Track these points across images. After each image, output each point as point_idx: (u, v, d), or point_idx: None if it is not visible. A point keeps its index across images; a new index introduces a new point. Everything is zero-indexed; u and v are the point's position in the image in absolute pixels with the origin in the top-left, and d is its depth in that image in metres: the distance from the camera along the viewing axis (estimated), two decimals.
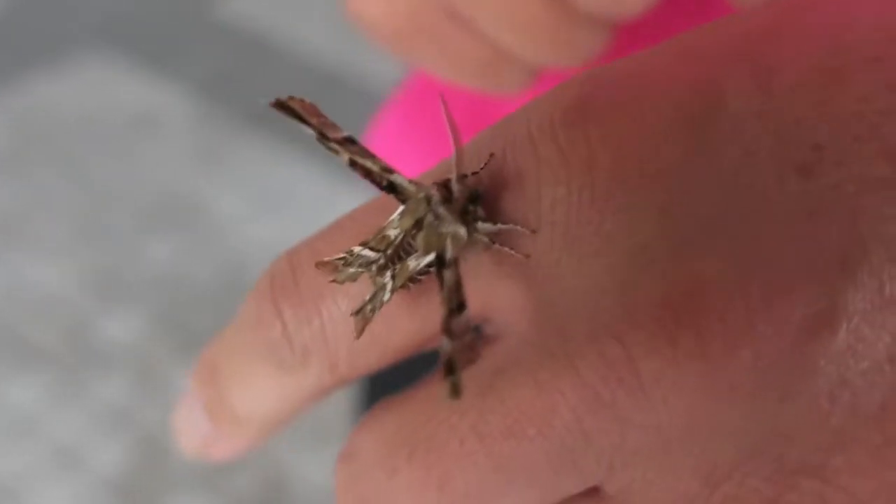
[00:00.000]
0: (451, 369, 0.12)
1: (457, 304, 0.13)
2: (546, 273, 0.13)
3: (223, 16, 1.77)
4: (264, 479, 1.08)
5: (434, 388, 0.15)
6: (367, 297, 0.14)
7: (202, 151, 1.48)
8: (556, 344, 0.13)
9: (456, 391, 0.12)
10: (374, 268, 0.14)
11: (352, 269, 0.14)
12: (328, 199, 1.39)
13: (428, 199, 0.13)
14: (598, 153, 0.13)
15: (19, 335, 1.22)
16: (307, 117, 0.14)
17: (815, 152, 0.12)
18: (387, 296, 0.14)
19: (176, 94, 1.58)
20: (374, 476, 0.14)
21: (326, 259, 0.14)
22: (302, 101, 0.14)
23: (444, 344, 0.13)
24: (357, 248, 0.14)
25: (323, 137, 0.14)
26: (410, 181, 0.14)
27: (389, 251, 0.14)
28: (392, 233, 0.14)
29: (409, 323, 0.15)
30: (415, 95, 0.33)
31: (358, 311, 0.14)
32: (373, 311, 0.14)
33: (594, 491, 0.14)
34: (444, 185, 0.13)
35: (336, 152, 0.14)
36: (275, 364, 0.15)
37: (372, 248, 0.14)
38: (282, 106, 0.14)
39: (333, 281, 0.14)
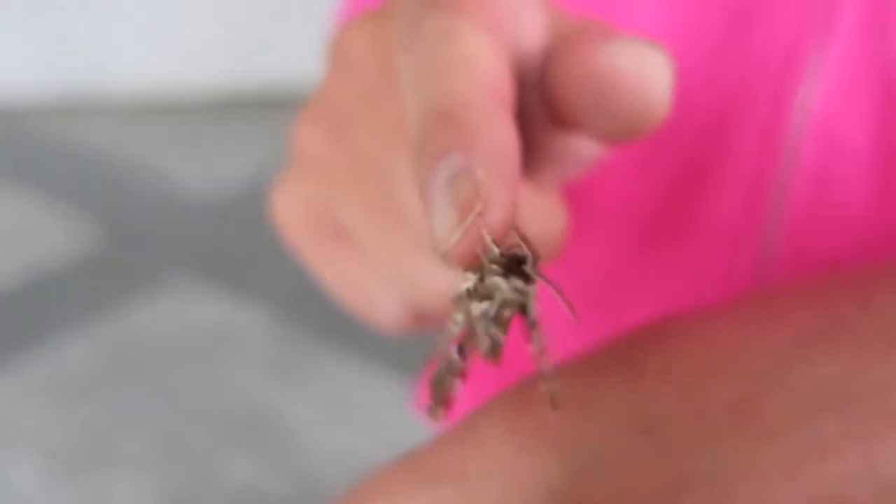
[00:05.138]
0: (552, 398, 0.16)
1: (542, 349, 0.16)
2: None
3: None
4: None
5: None
6: (486, 345, 0.17)
7: (279, 366, 1.55)
8: None
9: (555, 406, 0.16)
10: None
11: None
12: (398, 408, 1.43)
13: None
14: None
15: None
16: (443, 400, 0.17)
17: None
18: (502, 338, 0.16)
19: (253, 313, 1.67)
20: None
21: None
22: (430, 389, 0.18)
23: (542, 386, 0.16)
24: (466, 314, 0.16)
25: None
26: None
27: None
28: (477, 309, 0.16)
29: None
30: None
31: (489, 355, 0.17)
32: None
33: None
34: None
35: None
36: None
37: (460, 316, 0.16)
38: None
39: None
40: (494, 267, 0.15)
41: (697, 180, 0.25)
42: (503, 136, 0.15)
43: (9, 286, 1.71)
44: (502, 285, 0.15)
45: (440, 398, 0.16)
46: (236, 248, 1.86)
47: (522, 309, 0.16)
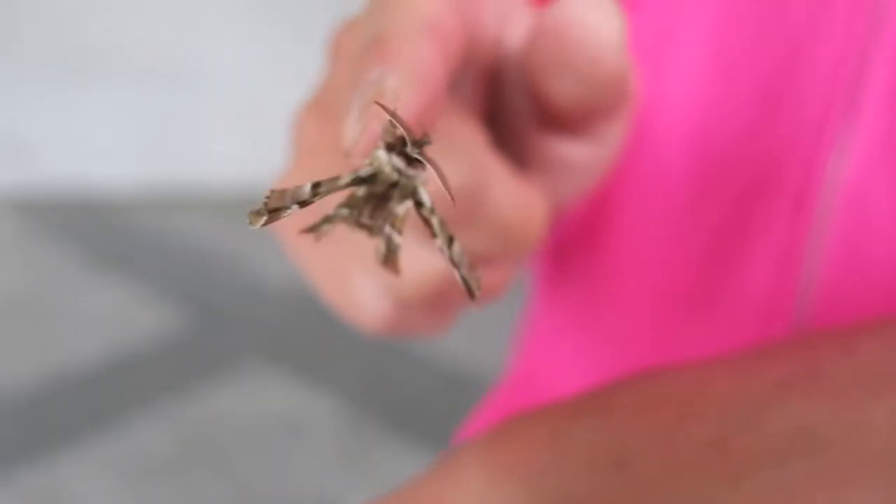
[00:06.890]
0: (468, 288, 0.16)
1: (448, 238, 0.16)
2: None
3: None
4: None
5: None
6: (382, 249, 0.17)
7: (345, 456, 1.54)
8: None
9: (472, 294, 0.16)
10: (362, 222, 0.16)
11: (328, 226, 0.17)
12: None
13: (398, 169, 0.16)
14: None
15: None
16: None
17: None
18: (398, 239, 0.17)
19: (324, 401, 1.68)
20: None
21: (309, 225, 0.16)
22: None
23: (456, 274, 0.16)
24: (335, 211, 0.16)
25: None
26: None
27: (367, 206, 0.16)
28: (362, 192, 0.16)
29: None
30: (510, 391, 0.36)
31: (386, 260, 0.17)
32: (393, 254, 0.17)
33: None
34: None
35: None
36: None
37: (349, 206, 0.16)
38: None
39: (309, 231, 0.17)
40: (381, 149, 0.16)
41: (730, 254, 0.25)
42: (423, 56, 0.16)
43: (94, 368, 1.77)
44: (381, 156, 0.15)
45: (272, 215, 0.16)
46: (312, 337, 1.88)
47: (417, 201, 0.16)
